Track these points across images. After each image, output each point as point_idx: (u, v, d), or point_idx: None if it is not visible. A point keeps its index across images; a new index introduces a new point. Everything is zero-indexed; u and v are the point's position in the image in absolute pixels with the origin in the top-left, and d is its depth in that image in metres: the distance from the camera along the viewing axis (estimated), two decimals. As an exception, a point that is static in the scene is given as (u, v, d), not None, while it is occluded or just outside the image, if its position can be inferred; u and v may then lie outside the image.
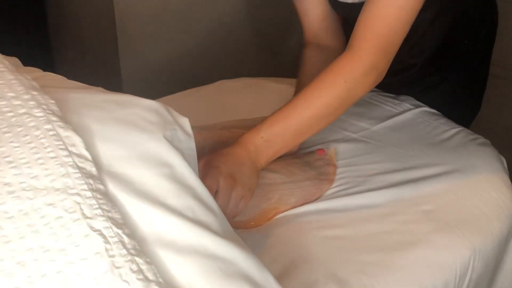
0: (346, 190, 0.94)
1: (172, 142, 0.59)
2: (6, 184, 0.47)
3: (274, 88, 1.25)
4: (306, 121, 0.87)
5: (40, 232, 0.46)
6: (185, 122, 0.64)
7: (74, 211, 0.47)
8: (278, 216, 0.87)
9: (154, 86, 1.63)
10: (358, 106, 1.14)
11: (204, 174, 0.79)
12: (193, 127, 0.95)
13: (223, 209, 0.76)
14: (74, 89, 0.59)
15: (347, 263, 0.77)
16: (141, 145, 0.56)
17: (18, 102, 0.51)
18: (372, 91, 1.14)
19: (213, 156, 0.83)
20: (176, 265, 0.53)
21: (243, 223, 0.85)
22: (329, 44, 1.09)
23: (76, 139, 0.51)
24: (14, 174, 0.48)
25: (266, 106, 1.19)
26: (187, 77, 1.63)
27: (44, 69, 0.74)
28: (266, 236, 0.83)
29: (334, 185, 0.94)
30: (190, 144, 0.63)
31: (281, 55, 1.91)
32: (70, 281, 0.45)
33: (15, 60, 0.80)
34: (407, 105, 1.19)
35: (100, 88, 0.65)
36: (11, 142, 0.49)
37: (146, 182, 0.54)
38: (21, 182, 0.47)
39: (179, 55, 1.74)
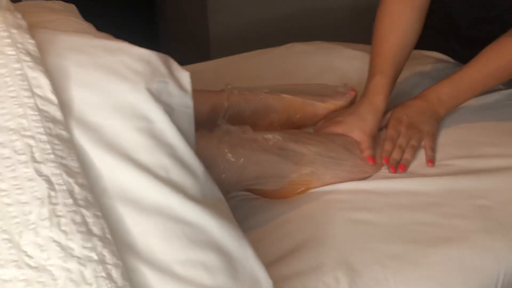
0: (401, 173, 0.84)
1: (158, 96, 0.55)
2: None
3: (347, 54, 1.15)
4: (483, 79, 0.91)
5: (-16, 169, 0.45)
6: (184, 76, 0.59)
7: (24, 153, 0.46)
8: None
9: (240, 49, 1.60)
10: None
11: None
12: (235, 88, 0.91)
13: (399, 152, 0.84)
14: (69, 32, 0.57)
15: (365, 251, 0.69)
16: (118, 95, 0.53)
17: None
18: None
19: (395, 107, 0.91)
20: (135, 224, 0.50)
21: (265, 192, 0.79)
22: None
23: (43, 81, 0.49)
24: None
25: (333, 72, 1.12)
26: (276, 41, 1.57)
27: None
28: (287, 209, 0.77)
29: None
30: (185, 101, 0.58)
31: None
32: (7, 223, 0.44)
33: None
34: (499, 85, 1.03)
35: (107, 35, 0.63)
36: None
37: (117, 134, 0.51)
38: None
39: (270, 17, 1.68)
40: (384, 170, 0.85)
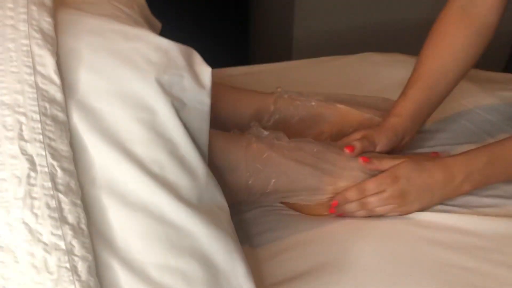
0: (452, 205, 0.75)
1: (168, 88, 0.52)
2: None
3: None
4: None
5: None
6: (205, 71, 0.56)
7: (12, 130, 0.45)
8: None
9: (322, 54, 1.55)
10: None
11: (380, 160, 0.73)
12: (286, 92, 0.86)
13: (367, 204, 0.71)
14: (96, 15, 0.56)
15: (389, 286, 0.62)
16: (126, 83, 0.51)
17: (11, 14, 0.50)
18: None
19: (408, 157, 0.75)
20: (117, 218, 0.48)
21: (297, 206, 0.74)
22: (480, 13, 0.78)
23: (49, 60, 0.49)
24: None
25: (399, 87, 1.03)
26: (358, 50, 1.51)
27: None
28: (313, 226, 0.71)
29: None
30: (201, 97, 0.55)
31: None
32: None
33: None
34: None
35: (137, 23, 0.61)
36: None
37: (116, 122, 0.50)
38: None
39: (354, 26, 1.61)
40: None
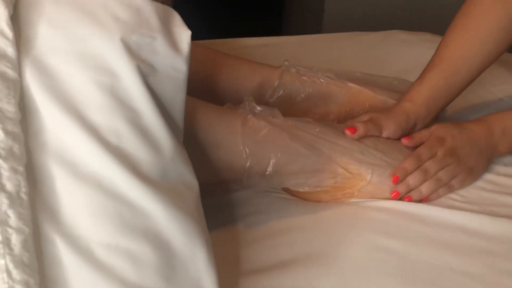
0: (463, 201, 0.68)
1: (136, 50, 0.47)
2: None
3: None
4: None
5: None
6: (183, 35, 0.50)
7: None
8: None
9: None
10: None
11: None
12: (294, 66, 0.79)
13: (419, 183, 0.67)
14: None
15: (373, 285, 0.56)
16: (87, 41, 0.46)
17: None
18: None
19: (445, 123, 0.72)
20: (66, 190, 0.43)
21: (296, 192, 0.69)
22: None
23: (1, 11, 0.44)
24: None
25: (420, 69, 0.95)
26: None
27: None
28: (306, 212, 0.66)
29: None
30: (176, 63, 0.50)
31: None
32: None
33: None
34: None
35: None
36: None
37: (73, 84, 0.45)
38: None
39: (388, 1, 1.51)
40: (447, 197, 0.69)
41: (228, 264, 0.58)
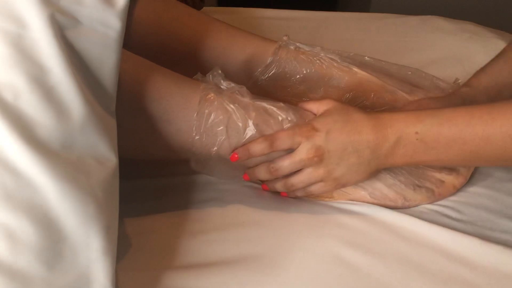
0: (456, 218, 0.58)
1: (55, -1, 0.41)
2: None
3: (495, 46, 0.85)
4: (478, 143, 0.52)
5: None
6: None
7: None
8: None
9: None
10: None
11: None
12: (293, 42, 0.70)
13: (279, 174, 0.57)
14: None
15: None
16: None
17: None
18: None
19: (328, 111, 0.58)
20: None
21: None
22: None
23: None
24: None
25: (464, 62, 0.83)
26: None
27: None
28: (272, 208, 0.58)
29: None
30: (106, 17, 0.43)
31: None
32: None
33: None
34: None
35: None
36: None
37: (-28, 30, 0.39)
38: None
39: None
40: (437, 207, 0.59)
41: (159, 253, 0.51)
